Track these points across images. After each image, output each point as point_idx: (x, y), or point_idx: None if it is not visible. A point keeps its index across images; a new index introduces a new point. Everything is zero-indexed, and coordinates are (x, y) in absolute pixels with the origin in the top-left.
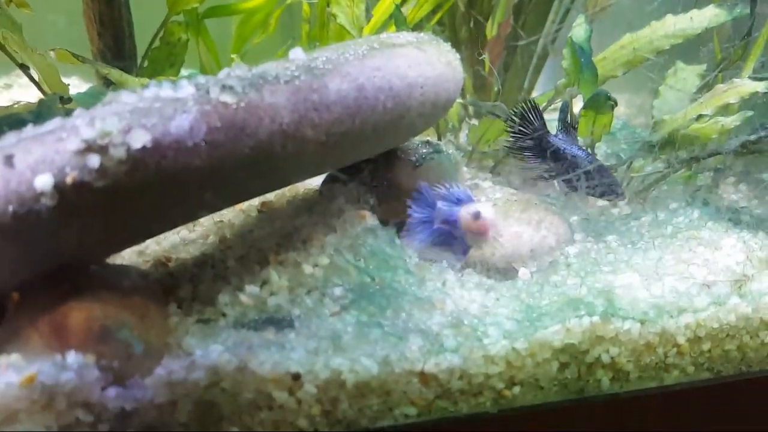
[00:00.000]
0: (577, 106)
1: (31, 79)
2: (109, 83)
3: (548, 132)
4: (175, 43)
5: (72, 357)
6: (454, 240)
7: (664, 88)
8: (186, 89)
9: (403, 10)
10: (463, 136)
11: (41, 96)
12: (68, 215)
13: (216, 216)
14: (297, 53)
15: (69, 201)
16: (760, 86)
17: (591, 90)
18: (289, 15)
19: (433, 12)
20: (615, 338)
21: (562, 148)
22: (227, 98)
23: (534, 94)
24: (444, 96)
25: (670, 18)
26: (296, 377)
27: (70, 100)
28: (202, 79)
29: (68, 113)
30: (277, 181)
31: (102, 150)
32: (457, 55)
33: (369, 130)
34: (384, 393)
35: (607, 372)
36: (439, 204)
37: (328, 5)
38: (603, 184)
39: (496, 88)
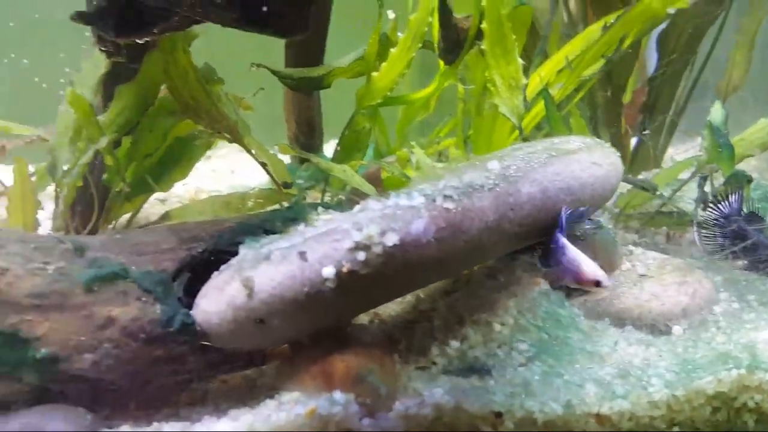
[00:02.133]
0: None
1: (267, 172)
2: (302, 160)
3: (741, 214)
4: (360, 131)
5: (339, 395)
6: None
7: None
8: (418, 199)
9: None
10: (609, 201)
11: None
12: (342, 294)
13: None
14: (494, 164)
15: (343, 284)
16: None
17: (729, 166)
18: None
19: (575, 90)
20: (759, 387)
21: (748, 231)
22: (448, 205)
23: (671, 151)
24: (609, 189)
25: None
26: (498, 415)
27: (291, 185)
28: (428, 190)
29: (312, 206)
30: (480, 262)
31: (366, 248)
32: (618, 154)
33: (550, 220)
34: (567, 430)
35: (753, 415)
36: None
37: (483, 89)
38: None
39: (631, 149)
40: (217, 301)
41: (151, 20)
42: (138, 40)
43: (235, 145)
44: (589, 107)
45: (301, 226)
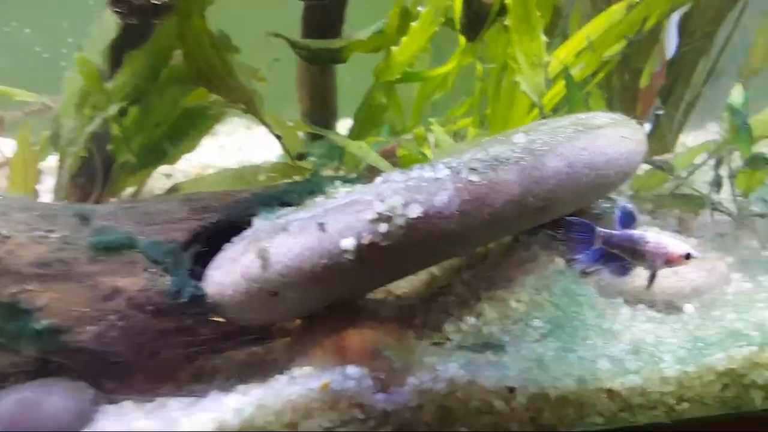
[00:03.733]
0: None
1: (282, 145)
2: (315, 137)
3: None
4: (377, 107)
5: (352, 370)
6: (613, 260)
7: None
8: (443, 171)
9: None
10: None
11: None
12: (361, 266)
13: None
14: (520, 137)
15: (363, 256)
16: None
17: (747, 148)
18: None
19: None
20: None
21: None
22: (474, 177)
23: (682, 137)
24: (633, 165)
25: None
26: (511, 390)
27: (304, 156)
28: (454, 162)
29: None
30: (502, 236)
31: (388, 219)
32: (644, 131)
33: (575, 196)
34: (578, 405)
35: (761, 392)
36: (599, 228)
37: (503, 69)
38: None
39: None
40: (231, 272)
41: None
42: (155, 1)
43: (243, 122)
44: (606, 90)
45: (320, 198)
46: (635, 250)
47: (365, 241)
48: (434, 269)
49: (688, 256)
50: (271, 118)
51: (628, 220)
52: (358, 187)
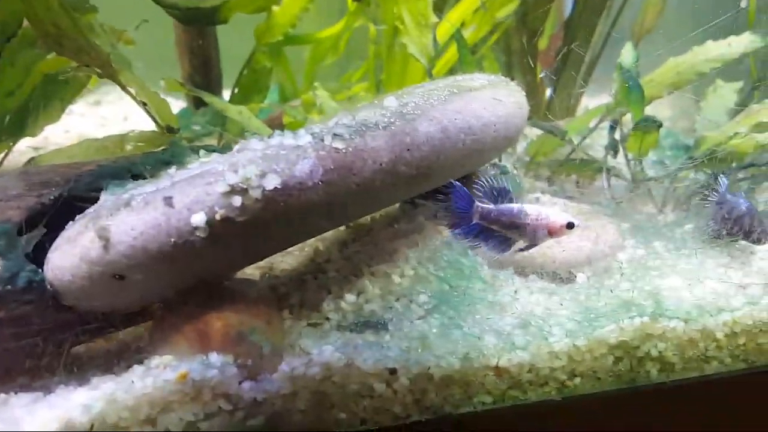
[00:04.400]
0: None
1: (148, 113)
2: (198, 105)
3: (726, 191)
4: (260, 71)
5: (215, 357)
6: (493, 235)
7: (705, 104)
8: (304, 138)
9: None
10: (520, 148)
11: (155, 127)
12: (215, 244)
13: None
14: (390, 101)
15: (216, 233)
16: None
17: (639, 109)
18: (355, 34)
19: (490, 33)
20: (662, 335)
21: (732, 203)
22: (338, 144)
23: (583, 101)
24: (513, 130)
25: (710, 44)
26: (393, 372)
27: (178, 129)
28: (316, 128)
29: (194, 150)
30: (375, 208)
31: (243, 192)
32: (524, 93)
33: (450, 163)
34: (465, 384)
35: (656, 364)
36: (478, 202)
37: (395, 30)
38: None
39: (547, 96)
40: (70, 254)
41: None
42: None
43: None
44: (505, 53)
45: (172, 170)
46: (515, 223)
47: (218, 216)
48: (318, 243)
49: (570, 226)
50: (136, 83)
51: (499, 193)
52: (215, 156)
